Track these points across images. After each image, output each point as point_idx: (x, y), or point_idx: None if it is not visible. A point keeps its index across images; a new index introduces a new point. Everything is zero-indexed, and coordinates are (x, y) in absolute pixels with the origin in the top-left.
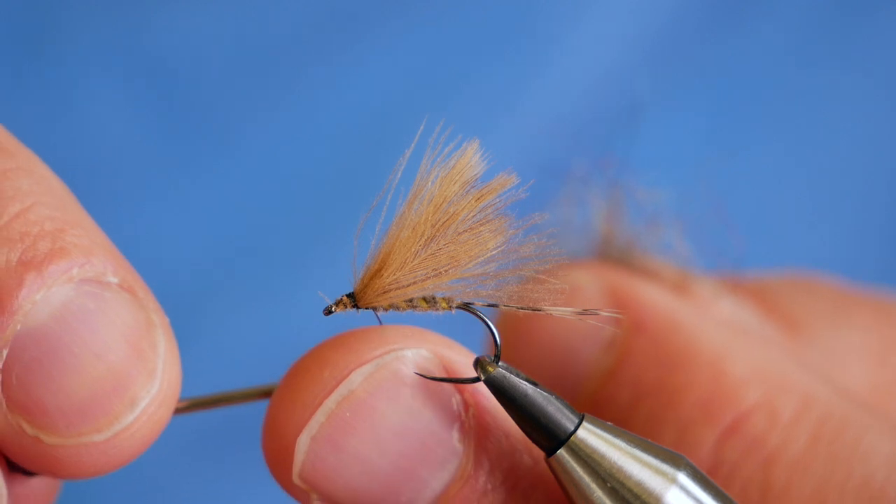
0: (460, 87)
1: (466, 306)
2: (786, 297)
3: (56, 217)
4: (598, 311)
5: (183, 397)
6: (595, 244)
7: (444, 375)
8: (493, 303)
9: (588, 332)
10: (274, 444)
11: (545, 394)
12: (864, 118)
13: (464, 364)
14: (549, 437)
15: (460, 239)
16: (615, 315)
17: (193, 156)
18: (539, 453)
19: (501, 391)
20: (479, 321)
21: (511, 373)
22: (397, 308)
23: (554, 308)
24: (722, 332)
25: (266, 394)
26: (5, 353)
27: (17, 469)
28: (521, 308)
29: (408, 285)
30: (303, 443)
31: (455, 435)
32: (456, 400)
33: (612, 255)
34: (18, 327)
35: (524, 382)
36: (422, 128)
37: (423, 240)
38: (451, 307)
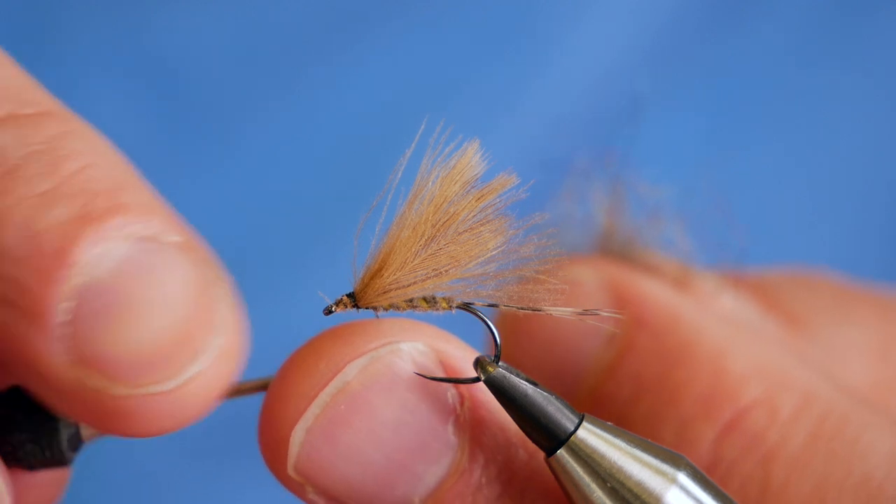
0: (460, 87)
1: (466, 306)
2: (787, 294)
3: (114, 177)
4: (598, 312)
5: None
6: (596, 239)
7: (440, 368)
8: (493, 303)
9: (588, 330)
10: (269, 437)
11: (545, 394)
12: (864, 118)
13: (460, 357)
14: (549, 437)
15: (460, 239)
16: (615, 315)
17: (193, 156)
18: (534, 447)
19: (501, 391)
20: (479, 321)
21: (511, 373)
22: (397, 308)
23: (554, 308)
24: (722, 328)
25: (263, 387)
26: (69, 305)
27: (17, 464)
28: (521, 308)
29: (408, 285)
30: (298, 435)
31: (450, 428)
32: (451, 394)
33: (614, 250)
34: (81, 280)
35: (524, 382)
36: (422, 128)
37: (424, 240)
38: (451, 307)
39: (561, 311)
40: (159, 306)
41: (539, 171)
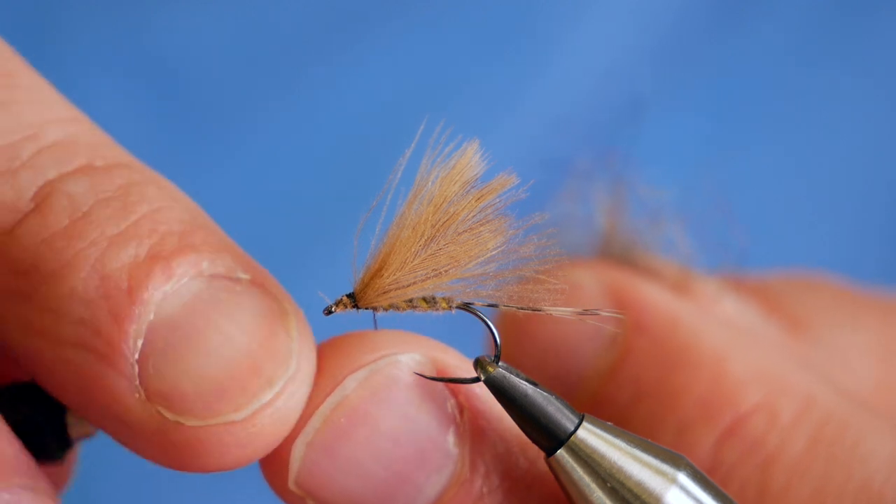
0: (460, 87)
1: (466, 306)
2: (789, 297)
3: (184, 219)
4: (598, 312)
5: None
6: (597, 241)
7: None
8: (493, 303)
9: (588, 332)
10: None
11: (545, 394)
12: (864, 118)
13: (458, 368)
14: (549, 438)
15: (460, 239)
16: (615, 315)
17: (193, 156)
18: (535, 455)
19: (501, 391)
20: (479, 321)
21: (511, 373)
22: (397, 308)
23: (554, 308)
24: (723, 332)
25: None
26: (140, 343)
27: (44, 458)
28: (521, 308)
29: (408, 285)
30: (298, 449)
31: (450, 439)
32: (451, 404)
33: (614, 252)
34: (152, 317)
35: (524, 382)
36: (422, 128)
37: (424, 240)
38: (451, 307)
39: (561, 311)
40: (228, 339)
41: (539, 171)
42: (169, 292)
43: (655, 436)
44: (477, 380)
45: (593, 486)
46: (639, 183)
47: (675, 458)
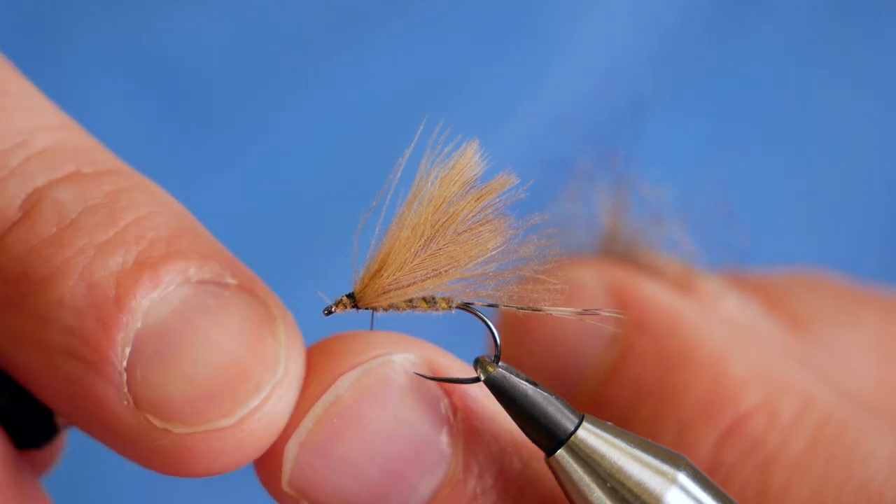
0: (461, 87)
1: (466, 306)
2: (791, 295)
3: (171, 225)
4: (598, 311)
5: None
6: (599, 240)
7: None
8: (493, 303)
9: (588, 332)
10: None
11: (545, 394)
12: (865, 118)
13: (451, 368)
14: (549, 437)
15: (460, 239)
16: (615, 315)
17: (193, 156)
18: (528, 456)
19: (501, 391)
20: (479, 321)
21: (511, 373)
22: (397, 308)
23: (554, 308)
24: (724, 332)
25: None
26: (128, 350)
27: (30, 446)
28: (521, 308)
29: (408, 285)
30: (291, 449)
31: (444, 439)
32: (444, 404)
33: (616, 251)
34: (139, 325)
35: (524, 382)
36: (422, 128)
37: (423, 240)
38: (450, 307)
39: (561, 311)
40: (215, 345)
41: (539, 172)
42: (156, 299)
43: (656, 436)
44: (477, 380)
45: (593, 486)
46: (640, 182)
47: (675, 458)
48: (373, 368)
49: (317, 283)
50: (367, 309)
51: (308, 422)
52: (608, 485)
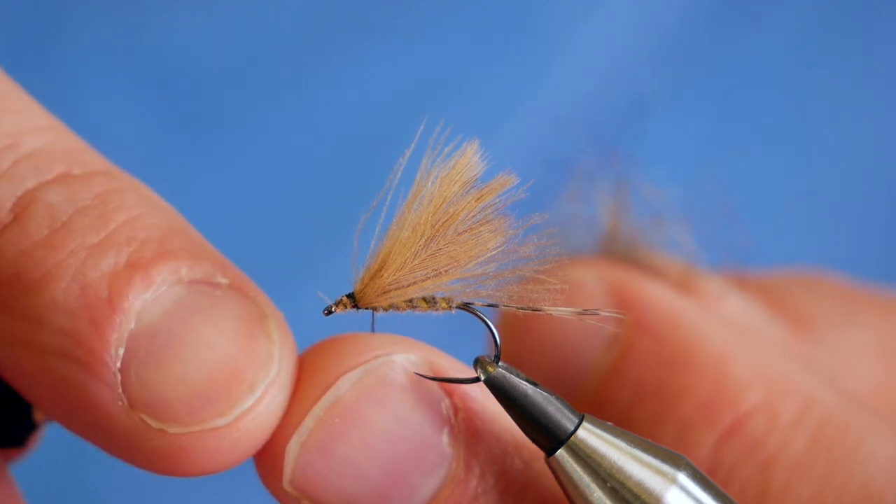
0: (461, 87)
1: (466, 306)
2: (793, 295)
3: (162, 225)
4: (598, 311)
5: None
6: (600, 240)
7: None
8: (493, 303)
9: (589, 332)
10: (264, 452)
11: (545, 394)
12: (865, 118)
13: (450, 369)
14: (549, 437)
15: (460, 239)
16: (615, 315)
17: (193, 156)
18: (530, 456)
19: (501, 391)
20: (479, 321)
21: (511, 373)
22: (397, 308)
23: (554, 308)
24: (725, 332)
25: None
26: (121, 351)
27: (8, 444)
28: (521, 308)
29: (408, 285)
30: (292, 450)
31: (445, 439)
32: (445, 404)
33: (617, 251)
34: (132, 325)
35: (524, 382)
36: (422, 128)
37: (423, 240)
38: (450, 307)
39: (561, 311)
40: (209, 345)
41: (540, 171)
42: (149, 300)
43: (656, 436)
44: (477, 380)
45: (593, 486)
46: (641, 182)
47: (675, 458)
48: (373, 369)
49: (317, 283)
50: (367, 309)
51: (309, 422)
52: (608, 485)
